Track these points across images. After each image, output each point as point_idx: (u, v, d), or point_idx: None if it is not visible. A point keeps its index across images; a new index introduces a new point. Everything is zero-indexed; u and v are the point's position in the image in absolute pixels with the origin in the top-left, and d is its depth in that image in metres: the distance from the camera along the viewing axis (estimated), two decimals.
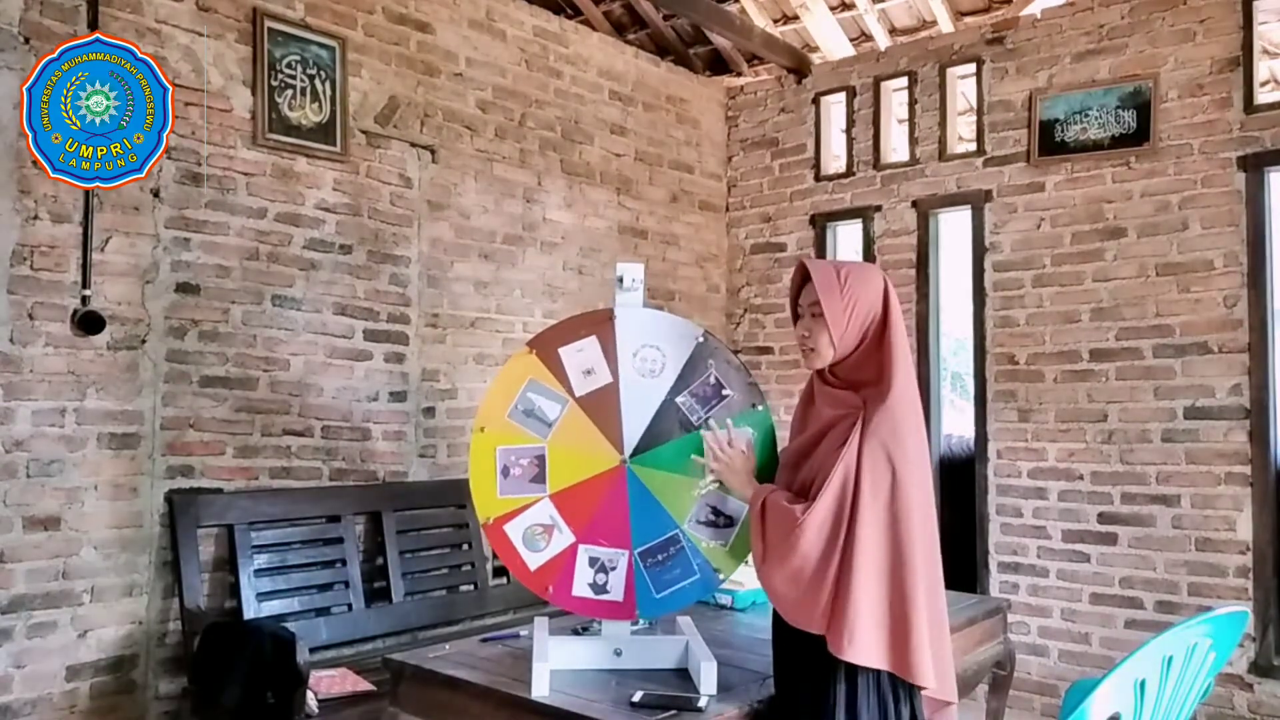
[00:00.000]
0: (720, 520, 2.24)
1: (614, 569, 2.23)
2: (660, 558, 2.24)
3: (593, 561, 2.24)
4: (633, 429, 2.26)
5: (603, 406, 2.27)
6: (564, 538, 2.25)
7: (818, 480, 1.90)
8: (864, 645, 1.83)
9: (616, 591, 2.23)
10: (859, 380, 1.97)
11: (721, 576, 2.26)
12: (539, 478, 2.26)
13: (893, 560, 1.87)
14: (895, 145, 4.94)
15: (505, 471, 2.26)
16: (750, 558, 2.20)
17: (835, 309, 1.94)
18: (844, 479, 1.86)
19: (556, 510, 2.25)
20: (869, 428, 1.88)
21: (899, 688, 1.91)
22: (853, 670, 1.88)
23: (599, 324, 2.30)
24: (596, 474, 2.26)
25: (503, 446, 2.26)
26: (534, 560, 2.24)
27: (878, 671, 1.88)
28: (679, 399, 2.26)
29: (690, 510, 2.24)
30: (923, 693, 1.94)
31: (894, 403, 1.91)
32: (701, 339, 2.29)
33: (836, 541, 1.85)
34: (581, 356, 2.28)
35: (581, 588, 2.23)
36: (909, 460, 1.90)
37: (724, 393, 2.25)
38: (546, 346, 2.30)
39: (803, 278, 2.03)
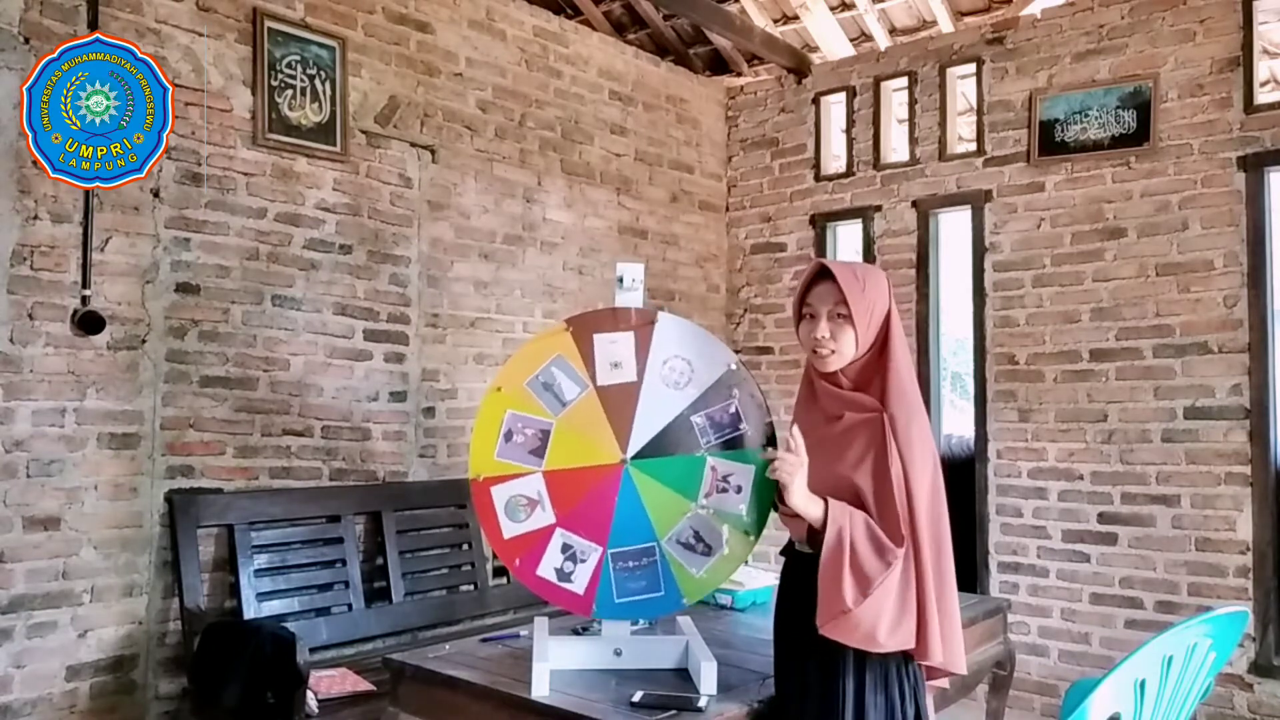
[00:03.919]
0: (699, 547, 2.23)
1: (583, 561, 2.23)
2: (631, 564, 2.23)
3: (565, 548, 2.24)
4: (641, 432, 2.25)
5: (620, 402, 2.26)
6: (545, 516, 2.25)
7: (874, 493, 1.90)
8: (936, 646, 1.87)
9: (579, 584, 2.23)
10: (867, 380, 1.98)
11: (686, 601, 2.25)
12: (539, 451, 2.26)
13: (937, 557, 1.91)
14: (895, 145, 4.94)
15: (508, 435, 2.25)
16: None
17: (861, 310, 1.94)
18: (900, 491, 1.87)
19: (546, 488, 2.25)
20: (900, 430, 1.89)
21: (905, 683, 1.92)
22: (861, 667, 1.89)
23: (640, 323, 2.29)
24: (594, 465, 2.25)
25: (513, 411, 2.26)
26: (510, 529, 2.24)
27: (885, 667, 1.90)
28: (694, 417, 2.25)
29: (674, 528, 2.23)
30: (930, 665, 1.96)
31: (911, 402, 1.94)
32: (733, 367, 2.28)
33: (909, 554, 1.86)
34: (614, 349, 2.28)
35: (547, 570, 2.23)
36: (935, 455, 1.95)
37: (740, 426, 2.23)
38: (583, 329, 2.30)
39: (813, 278, 2.02)
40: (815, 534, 1.91)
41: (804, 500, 1.90)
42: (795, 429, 1.97)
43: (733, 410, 2.24)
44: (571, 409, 2.27)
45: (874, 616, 1.82)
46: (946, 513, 1.96)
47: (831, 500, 1.90)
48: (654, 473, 2.25)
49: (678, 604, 2.25)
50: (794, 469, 1.89)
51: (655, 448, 2.25)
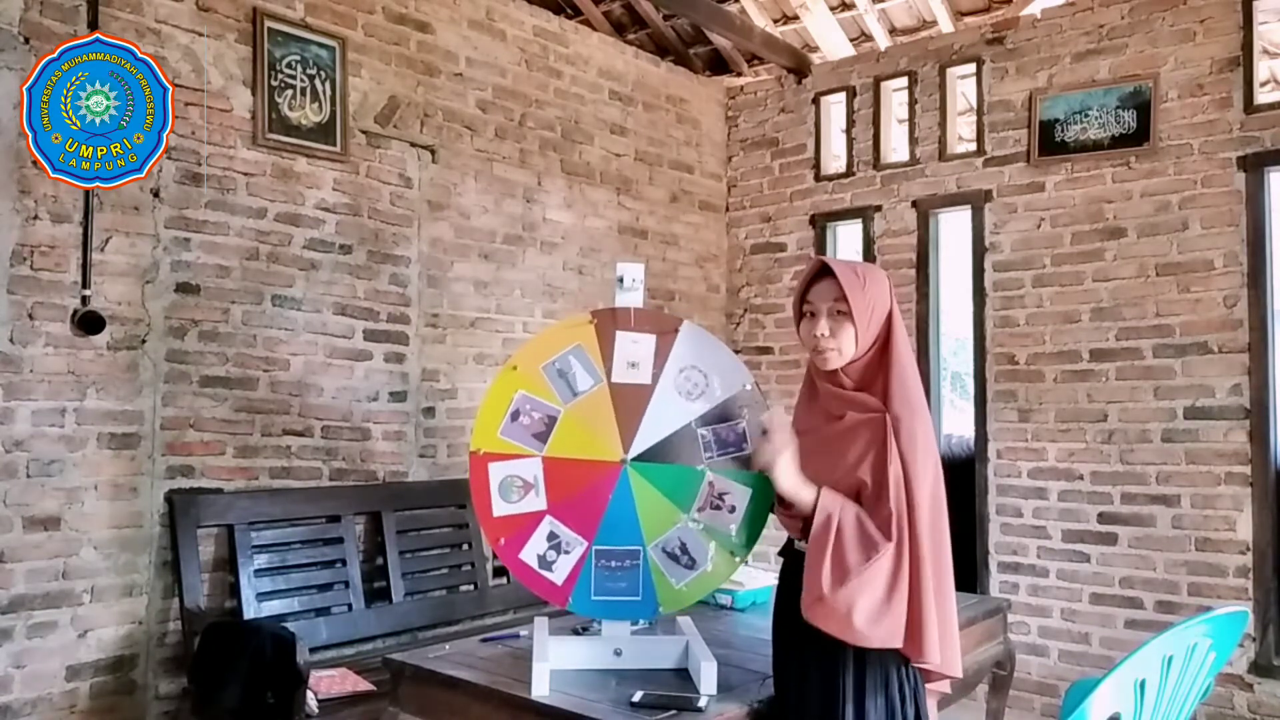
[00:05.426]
0: (684, 559, 2.23)
1: (567, 552, 2.24)
2: (614, 564, 2.23)
3: (551, 536, 2.24)
4: (646, 436, 2.25)
5: (630, 402, 2.26)
6: (537, 501, 2.25)
7: (869, 491, 1.89)
8: (932, 647, 1.86)
9: (559, 574, 2.23)
10: (869, 380, 1.98)
11: (662, 610, 2.25)
12: (542, 436, 2.26)
13: (936, 559, 1.90)
14: (895, 145, 4.94)
15: (515, 415, 2.26)
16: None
17: (861, 307, 1.93)
18: (897, 490, 1.86)
19: (543, 474, 2.25)
20: (903, 430, 1.89)
21: (905, 683, 1.91)
22: (861, 666, 1.89)
23: (664, 329, 2.30)
24: (594, 459, 2.26)
25: (524, 392, 2.27)
26: (500, 508, 2.24)
27: (885, 668, 1.90)
28: (701, 430, 2.25)
29: (662, 536, 2.24)
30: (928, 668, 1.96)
31: (915, 402, 1.94)
32: (749, 387, 2.28)
33: (903, 553, 1.86)
34: (634, 348, 2.28)
35: (530, 555, 2.24)
36: (936, 456, 1.95)
37: (745, 446, 2.22)
38: (606, 324, 2.30)
39: (813, 276, 2.02)
40: (810, 525, 1.92)
41: (793, 483, 1.92)
42: (770, 414, 2.00)
43: (740, 429, 2.23)
44: (582, 400, 2.27)
45: (848, 605, 1.81)
46: (946, 516, 1.96)
47: (825, 489, 1.91)
48: (652, 477, 2.25)
49: (653, 612, 2.26)
50: (772, 454, 1.92)
51: (657, 453, 2.25)
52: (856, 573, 1.83)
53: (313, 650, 3.03)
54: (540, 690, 2.08)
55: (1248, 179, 3.84)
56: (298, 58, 3.57)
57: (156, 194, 3.22)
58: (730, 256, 5.41)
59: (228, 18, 3.40)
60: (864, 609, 1.82)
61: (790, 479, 1.92)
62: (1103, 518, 4.13)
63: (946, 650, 1.90)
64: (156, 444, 3.21)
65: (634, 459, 2.25)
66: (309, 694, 2.83)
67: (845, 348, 1.97)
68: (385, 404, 3.84)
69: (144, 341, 3.19)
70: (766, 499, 2.16)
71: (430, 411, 4.00)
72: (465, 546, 3.94)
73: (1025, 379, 4.36)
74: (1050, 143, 4.30)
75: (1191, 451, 3.93)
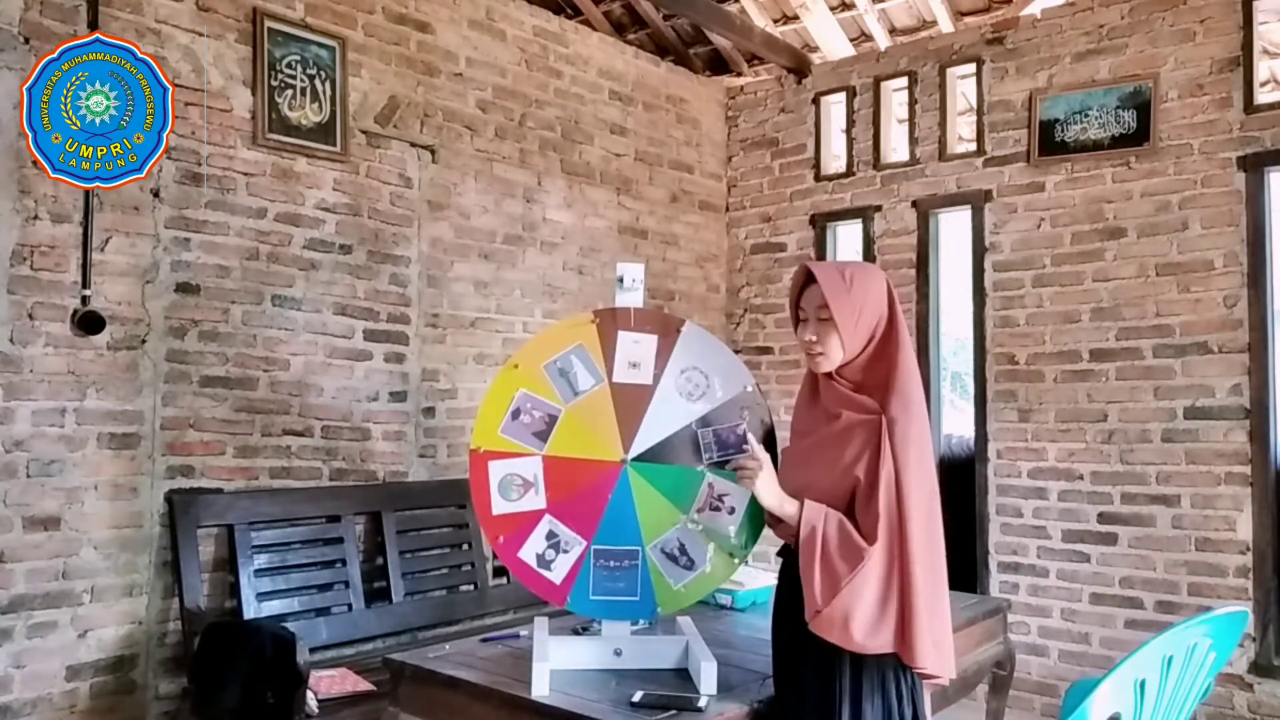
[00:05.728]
0: (682, 560, 2.24)
1: (566, 552, 2.24)
2: (612, 564, 2.24)
3: (550, 535, 2.25)
4: (646, 436, 2.26)
5: (631, 402, 2.27)
6: (536, 500, 2.25)
7: (861, 492, 1.89)
8: (926, 650, 1.86)
9: (558, 573, 2.24)
10: (867, 381, 1.97)
11: (660, 611, 2.26)
12: (543, 435, 2.26)
13: (930, 561, 1.90)
14: (895, 145, 4.94)
15: (516, 414, 2.27)
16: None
17: (845, 312, 1.93)
18: (889, 491, 1.86)
19: (543, 473, 2.26)
20: (897, 432, 1.89)
21: (903, 685, 1.92)
22: (858, 668, 1.89)
23: (666, 329, 2.31)
24: (594, 459, 2.26)
25: (525, 390, 2.27)
26: (500, 506, 2.25)
27: (882, 670, 1.90)
28: (701, 431, 2.25)
29: (661, 536, 2.24)
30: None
31: (913, 404, 1.93)
32: (749, 389, 2.29)
33: (894, 556, 1.86)
34: (636, 349, 2.29)
35: (529, 554, 2.25)
36: (932, 459, 1.95)
37: (745, 447, 2.22)
38: (608, 324, 2.31)
39: (804, 280, 2.02)
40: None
41: (775, 500, 1.96)
42: (751, 437, 2.08)
43: (740, 431, 2.23)
44: (582, 400, 2.28)
45: (845, 614, 1.83)
46: (940, 519, 1.96)
47: (807, 501, 1.92)
48: (651, 478, 2.25)
49: (652, 612, 2.26)
50: (754, 472, 1.96)
51: (657, 453, 2.25)
52: (846, 581, 1.84)
53: (313, 650, 3.03)
54: (540, 690, 2.09)
55: (1248, 179, 3.84)
56: (298, 58, 3.57)
57: (156, 194, 3.22)
58: (730, 256, 5.41)
59: (228, 18, 3.40)
60: (860, 620, 1.83)
61: (771, 495, 1.96)
62: (1103, 518, 4.13)
63: (940, 653, 1.90)
64: (156, 444, 3.21)
65: (634, 459, 2.26)
66: (309, 694, 2.83)
67: (832, 353, 1.97)
68: (385, 404, 3.84)
69: (144, 341, 3.19)
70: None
71: (430, 411, 4.00)
72: (465, 546, 3.94)
73: (1025, 379, 4.36)
74: (1050, 143, 4.30)
75: (1191, 451, 3.93)
